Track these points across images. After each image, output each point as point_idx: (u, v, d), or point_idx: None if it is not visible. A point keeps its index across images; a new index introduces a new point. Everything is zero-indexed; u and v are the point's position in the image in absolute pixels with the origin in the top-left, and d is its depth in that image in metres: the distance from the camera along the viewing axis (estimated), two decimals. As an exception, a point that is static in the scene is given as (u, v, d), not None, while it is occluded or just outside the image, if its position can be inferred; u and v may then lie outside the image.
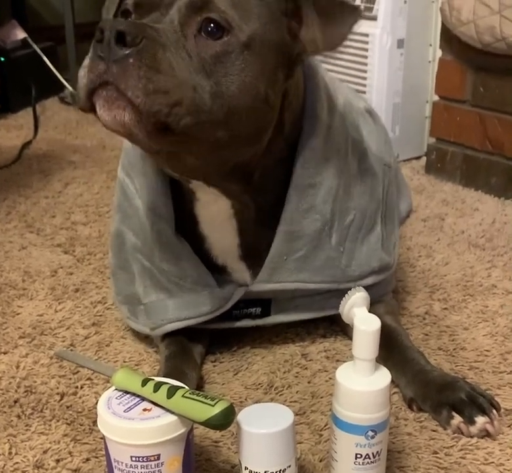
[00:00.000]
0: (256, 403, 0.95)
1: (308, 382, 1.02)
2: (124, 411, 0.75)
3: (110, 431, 0.74)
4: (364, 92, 1.81)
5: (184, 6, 0.80)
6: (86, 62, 0.76)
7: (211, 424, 0.71)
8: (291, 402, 0.97)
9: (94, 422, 0.92)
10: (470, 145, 1.74)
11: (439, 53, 1.77)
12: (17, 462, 0.86)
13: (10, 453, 0.88)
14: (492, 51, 1.57)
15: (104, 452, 0.81)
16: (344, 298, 0.77)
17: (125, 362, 1.07)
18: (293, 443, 0.75)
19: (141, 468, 0.73)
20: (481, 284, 1.29)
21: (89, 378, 1.02)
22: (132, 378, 0.78)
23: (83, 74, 0.76)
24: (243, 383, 1.02)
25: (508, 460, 0.86)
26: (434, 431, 0.92)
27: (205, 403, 0.71)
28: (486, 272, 1.33)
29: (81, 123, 2.28)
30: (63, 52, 2.52)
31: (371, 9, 1.76)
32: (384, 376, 0.77)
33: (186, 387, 0.77)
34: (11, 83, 2.38)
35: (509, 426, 0.92)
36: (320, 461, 0.86)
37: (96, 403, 0.95)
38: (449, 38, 1.69)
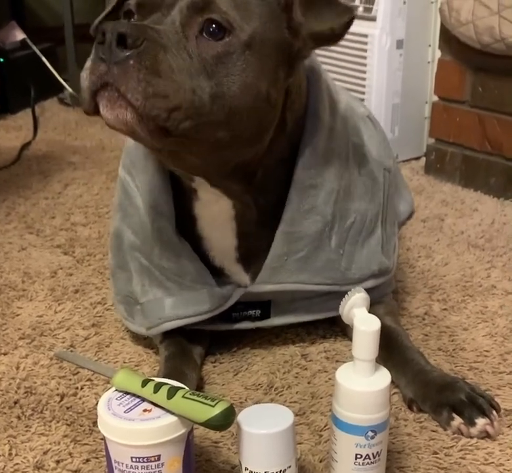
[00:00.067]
0: (256, 403, 0.95)
1: (308, 383, 1.02)
2: (124, 412, 0.75)
3: (111, 432, 0.74)
4: (363, 93, 1.82)
5: (185, 7, 0.80)
6: (88, 64, 0.77)
7: (211, 424, 0.71)
8: (290, 402, 0.97)
9: (94, 423, 0.92)
10: (469, 146, 1.74)
11: (438, 54, 1.78)
12: (17, 463, 0.86)
13: (10, 454, 0.88)
14: (491, 52, 1.57)
15: (104, 453, 0.81)
16: (344, 299, 0.77)
17: (124, 363, 1.07)
18: (293, 444, 0.75)
19: (141, 468, 0.73)
20: (480, 284, 1.29)
21: (89, 379, 1.02)
22: (132, 379, 0.78)
23: (84, 76, 0.77)
24: (243, 383, 1.02)
25: (508, 460, 0.86)
26: (434, 431, 0.92)
27: (205, 404, 0.71)
28: (486, 273, 1.33)
29: (81, 124, 2.28)
30: (62, 53, 2.52)
31: (370, 10, 1.76)
32: (384, 377, 0.77)
33: (186, 388, 0.77)
34: (10, 84, 2.38)
35: (508, 427, 0.92)
36: (320, 461, 0.86)
37: (96, 403, 0.95)
38: (448, 39, 1.69)
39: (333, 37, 0.86)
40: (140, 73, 0.74)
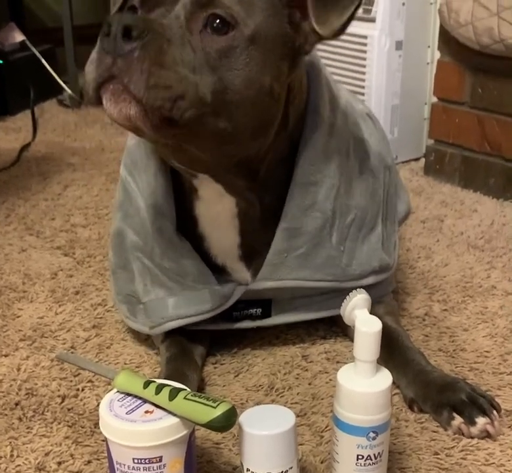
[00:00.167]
0: (257, 404, 0.96)
1: (309, 384, 1.02)
2: (126, 413, 0.75)
3: (112, 433, 0.74)
4: (363, 94, 1.82)
5: (189, 2, 0.80)
6: (93, 56, 0.77)
7: (213, 426, 0.71)
8: (291, 403, 0.97)
9: (96, 424, 0.92)
10: (468, 146, 1.74)
11: (437, 55, 1.78)
12: (19, 465, 0.87)
13: (11, 456, 0.88)
14: (490, 53, 1.57)
15: (105, 455, 0.81)
16: (345, 300, 0.78)
17: (125, 364, 1.07)
18: (294, 445, 0.75)
19: (143, 470, 0.73)
20: (480, 285, 1.29)
21: (90, 381, 1.03)
22: (133, 381, 0.78)
23: (89, 69, 0.77)
24: (243, 385, 1.02)
25: (508, 460, 0.86)
26: (434, 432, 0.92)
27: (207, 405, 0.71)
28: (486, 274, 1.33)
29: (80, 125, 2.28)
30: (61, 55, 2.52)
31: (369, 11, 1.76)
32: (385, 378, 0.77)
33: (188, 389, 0.77)
34: (9, 86, 2.38)
35: (509, 427, 0.92)
36: (322, 462, 0.86)
37: (97, 405, 0.95)
38: (447, 40, 1.70)
39: (337, 32, 0.85)
40: (144, 64, 0.74)
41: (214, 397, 0.73)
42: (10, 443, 0.90)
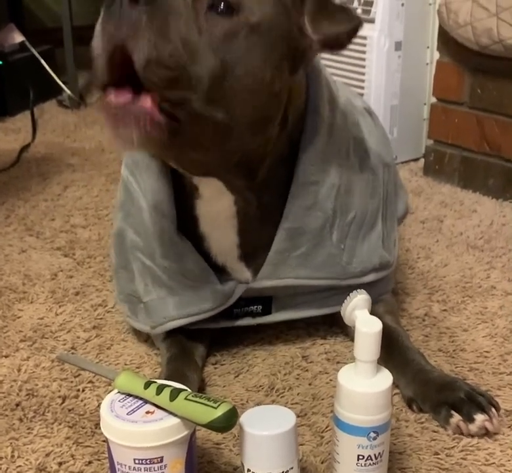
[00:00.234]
0: (258, 405, 0.96)
1: (309, 384, 1.02)
2: (127, 414, 0.75)
3: (113, 433, 0.74)
4: (362, 95, 1.81)
5: None
6: (97, 29, 0.76)
7: (213, 426, 0.71)
8: (292, 404, 0.98)
9: (96, 425, 0.93)
10: (468, 147, 1.74)
11: (436, 55, 1.78)
12: (19, 466, 0.87)
13: (12, 456, 0.88)
14: (489, 53, 1.57)
15: (106, 455, 0.81)
16: (345, 300, 0.78)
17: (126, 365, 1.07)
18: (295, 445, 0.76)
19: (144, 470, 0.74)
20: (480, 285, 1.29)
21: (91, 381, 1.03)
22: (134, 381, 0.78)
23: (96, 44, 0.76)
24: (244, 385, 1.02)
25: (509, 460, 0.87)
26: (435, 432, 0.92)
27: (208, 406, 0.72)
28: (485, 274, 1.33)
29: (79, 126, 2.28)
30: (61, 55, 2.51)
31: (368, 12, 1.76)
32: (386, 378, 0.78)
33: (189, 389, 0.77)
34: (9, 87, 2.38)
35: (509, 427, 0.92)
36: (322, 463, 0.87)
37: (98, 405, 0.95)
38: (446, 40, 1.70)
39: (338, 43, 0.87)
40: (150, 32, 0.74)
41: (214, 397, 0.73)
42: (11, 443, 0.90)
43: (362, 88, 1.83)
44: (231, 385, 1.03)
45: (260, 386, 1.02)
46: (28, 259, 1.41)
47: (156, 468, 0.74)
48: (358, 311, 0.77)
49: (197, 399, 0.73)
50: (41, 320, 1.19)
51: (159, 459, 0.73)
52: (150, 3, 0.74)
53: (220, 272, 1.04)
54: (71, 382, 1.03)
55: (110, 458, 0.76)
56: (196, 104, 0.79)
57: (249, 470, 0.75)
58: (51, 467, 0.86)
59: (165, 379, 0.89)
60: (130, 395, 0.78)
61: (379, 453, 0.78)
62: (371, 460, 0.77)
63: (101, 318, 1.19)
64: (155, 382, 0.77)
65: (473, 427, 0.90)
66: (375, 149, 1.09)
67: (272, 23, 0.83)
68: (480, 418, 0.89)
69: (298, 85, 0.95)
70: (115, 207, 1.18)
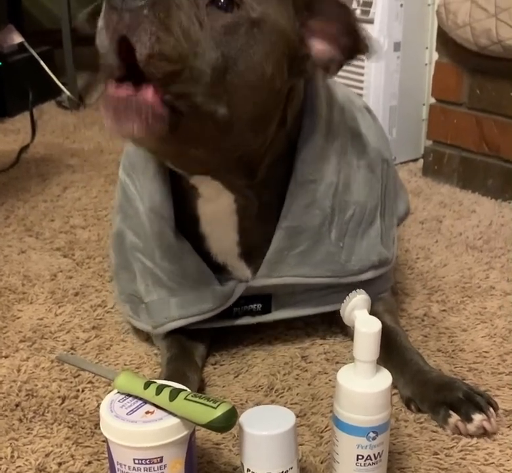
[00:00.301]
0: (257, 405, 0.96)
1: (308, 384, 1.02)
2: (127, 414, 0.75)
3: (113, 433, 0.74)
4: (361, 95, 1.82)
5: None
6: (101, 22, 0.76)
7: (213, 426, 0.71)
8: (291, 404, 0.98)
9: (96, 425, 0.93)
10: (467, 147, 1.74)
11: (435, 56, 1.78)
12: (19, 466, 0.87)
13: (12, 457, 0.88)
14: (488, 54, 1.57)
15: (106, 455, 0.81)
16: (345, 300, 0.78)
17: (125, 365, 1.07)
18: (294, 445, 0.76)
19: (144, 470, 0.74)
20: (479, 285, 1.29)
21: (90, 382, 1.03)
22: (134, 381, 0.78)
23: (101, 36, 0.76)
24: (243, 385, 1.02)
25: (508, 460, 0.87)
26: (434, 432, 0.92)
27: (208, 406, 0.72)
28: (484, 274, 1.33)
29: (79, 127, 2.28)
30: (60, 57, 2.51)
31: (367, 12, 1.76)
32: (385, 378, 0.78)
33: (188, 389, 0.77)
34: (8, 88, 2.38)
35: (508, 427, 0.93)
36: (321, 463, 0.87)
37: (97, 406, 0.96)
38: (445, 41, 1.70)
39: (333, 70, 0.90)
40: (153, 24, 0.73)
41: (214, 397, 0.74)
42: (11, 444, 0.90)
43: (361, 88, 1.83)
44: (230, 386, 1.03)
45: (260, 386, 1.02)
46: (28, 259, 1.41)
47: (156, 468, 0.74)
48: (357, 311, 0.77)
49: (197, 399, 0.73)
50: (41, 320, 1.19)
51: (158, 459, 0.73)
52: None
53: (220, 271, 1.04)
54: (71, 382, 1.03)
55: (110, 458, 0.76)
56: (198, 98, 0.79)
57: (248, 470, 0.76)
58: (51, 467, 0.86)
59: (165, 379, 0.89)
60: (129, 395, 0.78)
61: (379, 453, 0.78)
62: (371, 460, 0.77)
63: (100, 319, 1.20)
64: (155, 382, 0.77)
65: (471, 427, 0.90)
66: (373, 145, 1.09)
67: (272, 21, 0.84)
68: (478, 418, 0.90)
69: (297, 83, 0.95)
70: (113, 209, 1.18)
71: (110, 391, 0.80)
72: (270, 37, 0.84)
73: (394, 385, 0.97)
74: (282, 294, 1.07)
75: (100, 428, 0.77)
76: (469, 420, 0.90)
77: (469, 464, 0.86)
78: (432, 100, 1.82)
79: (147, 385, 0.76)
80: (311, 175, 0.98)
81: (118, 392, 0.79)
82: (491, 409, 0.90)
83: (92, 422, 0.94)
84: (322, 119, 0.98)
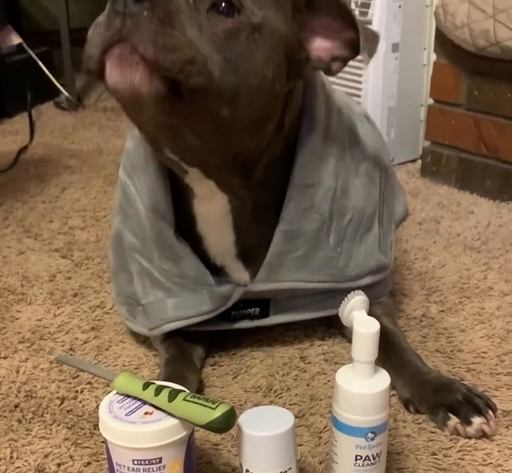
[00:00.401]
0: (256, 405, 0.96)
1: (307, 385, 1.02)
2: (125, 415, 0.75)
3: (112, 434, 0.74)
4: (359, 96, 1.82)
5: None
6: (101, 19, 0.76)
7: (212, 427, 0.72)
8: (290, 405, 0.98)
9: (95, 426, 0.93)
10: (465, 148, 1.75)
11: (434, 57, 1.78)
12: (18, 467, 0.87)
13: (11, 457, 0.88)
14: (486, 55, 1.58)
15: (105, 456, 0.81)
16: (343, 301, 0.78)
17: (124, 366, 1.07)
18: (293, 446, 0.76)
19: (143, 471, 0.74)
20: (477, 286, 1.30)
21: (89, 382, 1.03)
22: (133, 382, 0.78)
23: (96, 32, 0.76)
24: (242, 386, 1.03)
25: (506, 460, 0.87)
26: (432, 432, 0.92)
27: (206, 407, 0.72)
28: (482, 275, 1.33)
29: (77, 127, 2.29)
30: (58, 57, 2.52)
31: (365, 13, 1.77)
32: (383, 379, 0.78)
33: (187, 390, 0.77)
34: (6, 88, 2.38)
35: (506, 427, 0.93)
36: (320, 463, 0.87)
37: (97, 407, 0.96)
38: (443, 42, 1.70)
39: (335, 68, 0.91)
40: (154, 24, 0.74)
41: (213, 398, 0.74)
42: (10, 445, 0.90)
43: (359, 89, 1.83)
44: (229, 386, 1.03)
45: (259, 387, 1.02)
46: (26, 260, 1.41)
47: (155, 469, 0.74)
48: (355, 312, 0.77)
49: (196, 400, 0.73)
50: (40, 321, 1.19)
51: (157, 460, 0.74)
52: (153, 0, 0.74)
53: (219, 274, 1.04)
54: (70, 383, 1.03)
55: (109, 459, 0.76)
56: (203, 93, 0.79)
57: (247, 471, 0.76)
58: (50, 468, 0.86)
59: (164, 380, 0.89)
60: (128, 396, 0.78)
61: (377, 454, 0.78)
62: (369, 460, 0.78)
63: (99, 320, 1.20)
64: (154, 383, 0.77)
65: (471, 430, 0.90)
66: (371, 152, 1.10)
67: (272, 26, 0.84)
68: (477, 420, 0.90)
69: (296, 87, 0.95)
70: (113, 209, 1.18)
71: (109, 392, 0.80)
72: (271, 41, 0.84)
73: (392, 386, 0.98)
74: (281, 299, 1.07)
75: (99, 429, 0.77)
76: (468, 423, 0.90)
77: (467, 465, 0.86)
78: (431, 101, 1.82)
79: (146, 386, 0.77)
80: (309, 178, 0.98)
81: (117, 393, 0.79)
82: (490, 412, 0.91)
83: (91, 423, 0.94)
84: (320, 123, 0.99)
